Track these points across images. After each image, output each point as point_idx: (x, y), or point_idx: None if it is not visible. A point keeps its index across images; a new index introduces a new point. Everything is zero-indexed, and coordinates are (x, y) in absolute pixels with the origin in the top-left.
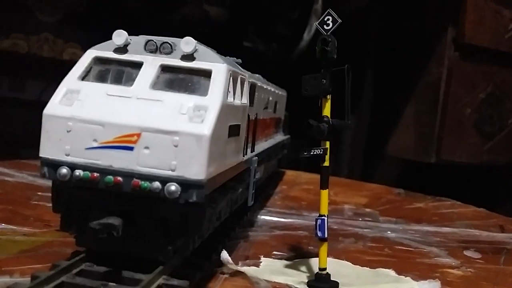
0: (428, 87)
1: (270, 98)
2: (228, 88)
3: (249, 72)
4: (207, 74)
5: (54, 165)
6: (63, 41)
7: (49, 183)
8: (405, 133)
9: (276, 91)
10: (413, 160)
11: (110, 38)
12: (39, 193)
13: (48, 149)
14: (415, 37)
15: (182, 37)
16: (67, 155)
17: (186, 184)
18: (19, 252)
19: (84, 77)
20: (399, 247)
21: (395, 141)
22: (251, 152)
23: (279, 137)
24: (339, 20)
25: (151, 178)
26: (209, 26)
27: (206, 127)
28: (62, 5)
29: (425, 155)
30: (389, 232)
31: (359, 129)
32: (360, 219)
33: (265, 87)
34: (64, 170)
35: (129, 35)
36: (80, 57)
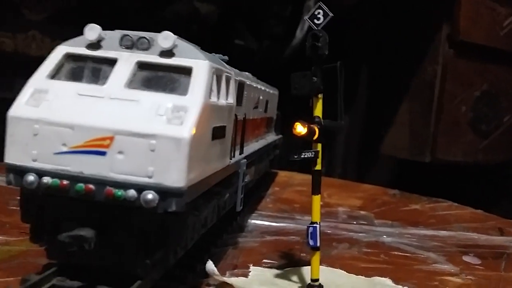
0: (423, 85)
1: (261, 97)
2: (211, 87)
3: (237, 70)
4: (187, 71)
5: (21, 171)
6: (51, 39)
7: None
8: (399, 131)
9: (267, 90)
10: (408, 159)
11: None
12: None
13: (13, 154)
14: (410, 34)
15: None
16: (34, 160)
17: (164, 192)
18: None
19: (54, 75)
20: (396, 253)
21: (389, 140)
22: (240, 154)
23: (271, 137)
24: (330, 14)
25: (126, 185)
26: (200, 24)
27: (185, 130)
28: (50, 3)
29: (420, 154)
30: (384, 236)
31: (353, 128)
32: (355, 222)
33: (254, 85)
34: (31, 177)
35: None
36: None
